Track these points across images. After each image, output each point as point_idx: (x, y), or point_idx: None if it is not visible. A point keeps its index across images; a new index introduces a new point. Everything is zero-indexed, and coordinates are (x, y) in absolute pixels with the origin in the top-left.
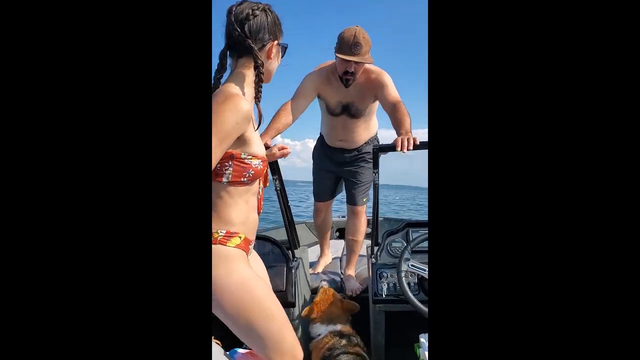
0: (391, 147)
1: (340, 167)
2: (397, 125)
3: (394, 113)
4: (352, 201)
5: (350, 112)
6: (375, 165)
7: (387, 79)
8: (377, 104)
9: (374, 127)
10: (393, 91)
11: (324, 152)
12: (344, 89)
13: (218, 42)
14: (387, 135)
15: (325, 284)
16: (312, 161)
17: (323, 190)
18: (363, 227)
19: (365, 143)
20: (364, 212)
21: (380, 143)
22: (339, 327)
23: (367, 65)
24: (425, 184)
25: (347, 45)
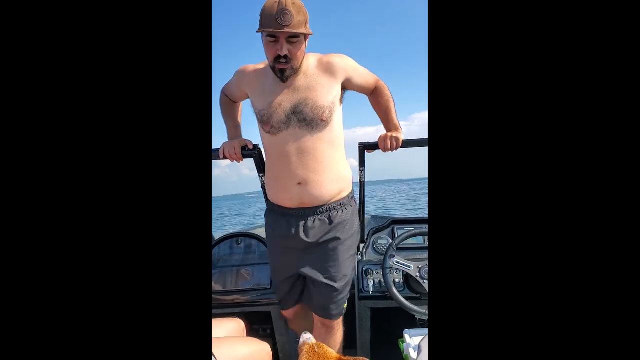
0: (376, 146)
1: (301, 256)
2: (383, 115)
3: (376, 97)
4: (323, 311)
5: (304, 115)
6: (362, 163)
7: (349, 58)
8: (340, 108)
9: (346, 166)
10: (367, 73)
11: (275, 234)
12: (283, 85)
13: (218, 42)
14: (364, 134)
15: (311, 339)
16: None
17: (283, 291)
18: (338, 343)
19: (340, 203)
20: (341, 326)
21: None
22: None
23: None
24: (407, 176)
25: (269, 16)
